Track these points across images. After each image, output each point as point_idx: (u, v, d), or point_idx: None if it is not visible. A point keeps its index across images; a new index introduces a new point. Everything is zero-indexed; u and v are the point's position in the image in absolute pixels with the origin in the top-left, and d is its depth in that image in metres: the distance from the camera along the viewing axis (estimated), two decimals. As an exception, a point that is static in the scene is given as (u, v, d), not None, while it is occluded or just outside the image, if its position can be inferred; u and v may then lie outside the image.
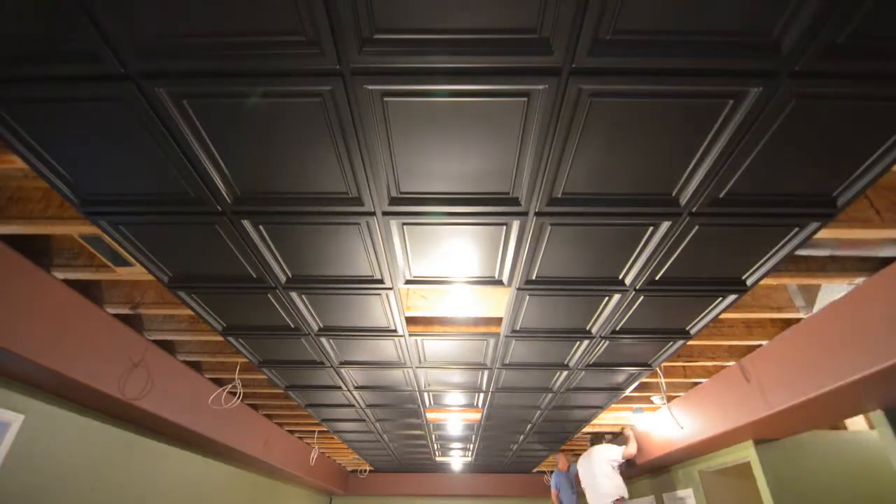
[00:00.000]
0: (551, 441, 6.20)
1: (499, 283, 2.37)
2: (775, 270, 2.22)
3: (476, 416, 5.25)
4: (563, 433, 5.72)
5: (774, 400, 3.11)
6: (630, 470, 5.97)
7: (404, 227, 1.97)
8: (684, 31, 1.21)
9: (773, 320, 3.14)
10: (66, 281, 2.56)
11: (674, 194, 1.76)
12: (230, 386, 4.05)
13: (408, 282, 2.39)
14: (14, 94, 1.39)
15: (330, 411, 5.01)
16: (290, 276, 2.35)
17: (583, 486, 5.52)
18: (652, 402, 4.75)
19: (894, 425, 3.11)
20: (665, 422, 4.70)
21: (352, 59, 1.28)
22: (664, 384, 3.95)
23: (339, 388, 4.18)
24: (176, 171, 1.67)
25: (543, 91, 1.35)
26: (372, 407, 4.84)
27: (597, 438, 5.62)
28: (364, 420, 5.37)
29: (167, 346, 3.62)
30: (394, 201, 1.81)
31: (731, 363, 3.59)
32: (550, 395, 4.33)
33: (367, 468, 9.43)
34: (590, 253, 2.12)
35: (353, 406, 4.79)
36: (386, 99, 1.39)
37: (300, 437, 6.59)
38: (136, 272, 2.41)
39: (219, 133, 1.52)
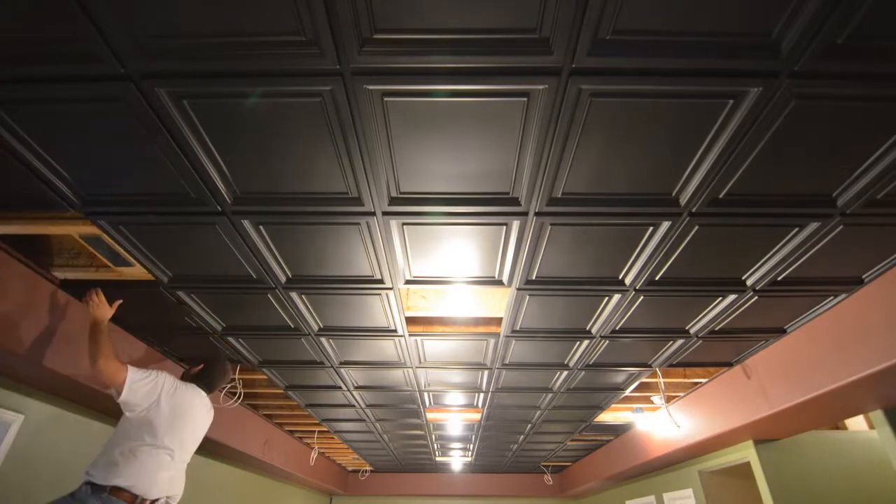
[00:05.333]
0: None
1: (499, 283, 2.37)
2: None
3: (476, 416, 5.25)
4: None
5: (776, 399, 3.11)
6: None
7: (404, 227, 1.97)
8: (684, 32, 1.21)
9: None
10: (66, 281, 2.56)
11: (674, 194, 1.77)
12: (230, 386, 4.04)
13: (408, 282, 2.39)
14: (14, 94, 1.39)
15: (330, 411, 5.02)
16: (290, 276, 2.35)
17: None
18: (652, 403, 4.75)
19: (894, 425, 3.11)
20: (665, 422, 4.71)
21: (352, 60, 1.28)
22: (662, 384, 3.94)
23: (339, 388, 4.18)
24: (176, 171, 1.67)
25: (543, 91, 1.35)
26: (372, 407, 4.84)
27: None
28: (364, 420, 5.37)
29: (167, 346, 3.61)
30: (394, 201, 1.81)
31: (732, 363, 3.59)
32: (550, 394, 4.33)
33: (368, 468, 9.43)
34: (590, 253, 2.13)
35: (353, 406, 4.79)
36: (386, 99, 1.39)
37: (300, 438, 6.58)
38: (136, 272, 2.41)
39: (218, 133, 1.52)
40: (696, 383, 4.09)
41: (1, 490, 2.67)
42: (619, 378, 3.89)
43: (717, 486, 5.02)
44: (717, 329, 2.89)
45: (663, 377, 3.81)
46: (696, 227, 1.94)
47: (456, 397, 4.56)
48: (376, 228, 1.97)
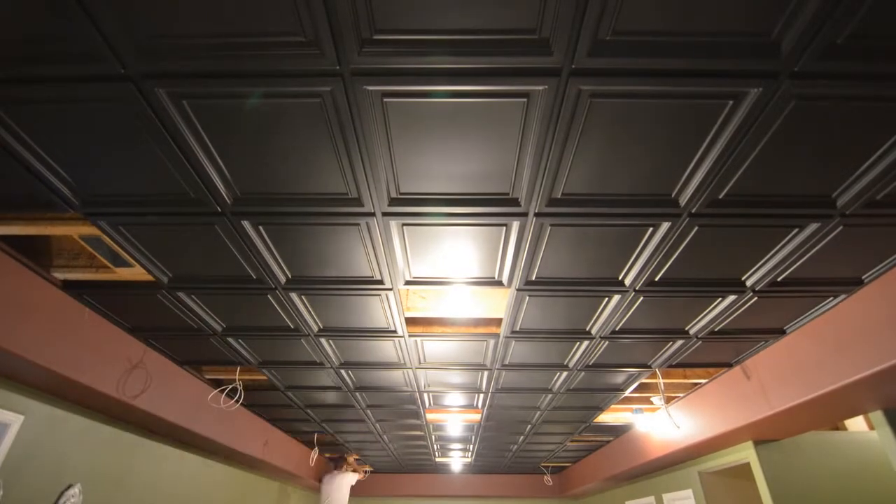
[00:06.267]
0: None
1: (499, 283, 2.37)
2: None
3: (476, 416, 5.25)
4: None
5: (776, 400, 3.11)
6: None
7: (404, 227, 1.97)
8: (684, 32, 1.21)
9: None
10: (66, 281, 2.56)
11: (673, 195, 1.76)
12: (230, 387, 4.04)
13: (407, 282, 2.39)
14: (14, 94, 1.39)
15: (330, 412, 5.01)
16: (289, 276, 2.35)
17: None
18: (652, 403, 4.75)
19: (894, 426, 3.11)
20: (665, 422, 4.70)
21: (351, 60, 1.28)
22: (662, 384, 3.94)
23: (339, 388, 4.18)
24: (175, 171, 1.67)
25: (543, 92, 1.35)
26: (372, 408, 4.84)
27: None
28: (364, 421, 5.37)
29: (167, 347, 3.61)
30: (393, 202, 1.81)
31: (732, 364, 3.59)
32: (550, 395, 4.33)
33: (368, 469, 9.42)
34: (590, 254, 2.12)
35: (353, 407, 4.79)
36: (386, 100, 1.39)
37: (300, 438, 6.57)
38: (136, 272, 2.41)
39: (218, 133, 1.52)
40: (696, 384, 4.08)
41: (1, 490, 2.67)
42: (619, 379, 3.88)
43: (717, 487, 5.01)
44: (716, 330, 2.89)
45: (663, 378, 3.81)
46: (696, 228, 1.94)
47: (456, 398, 4.56)
48: (376, 229, 1.97)
